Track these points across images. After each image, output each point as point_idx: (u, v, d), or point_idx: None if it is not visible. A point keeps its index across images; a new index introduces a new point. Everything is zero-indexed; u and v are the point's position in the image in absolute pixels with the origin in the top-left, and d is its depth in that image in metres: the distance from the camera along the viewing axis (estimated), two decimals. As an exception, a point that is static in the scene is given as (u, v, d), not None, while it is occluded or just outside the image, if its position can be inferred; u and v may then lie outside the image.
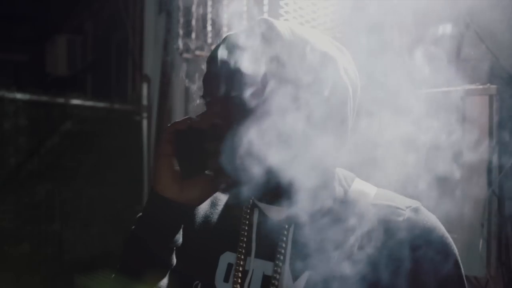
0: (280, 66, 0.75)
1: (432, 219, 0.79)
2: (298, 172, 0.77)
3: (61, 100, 3.51)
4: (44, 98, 3.44)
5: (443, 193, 1.64)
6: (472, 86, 1.59)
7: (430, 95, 1.66)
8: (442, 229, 0.79)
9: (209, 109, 0.80)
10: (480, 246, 1.55)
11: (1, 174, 3.34)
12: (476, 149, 1.58)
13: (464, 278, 0.80)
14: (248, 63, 0.76)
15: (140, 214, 0.83)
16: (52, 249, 3.56)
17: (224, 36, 0.83)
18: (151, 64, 3.89)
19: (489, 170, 1.57)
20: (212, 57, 0.81)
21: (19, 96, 3.32)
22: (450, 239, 0.79)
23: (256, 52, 0.76)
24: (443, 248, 0.77)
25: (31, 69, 7.07)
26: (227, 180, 0.78)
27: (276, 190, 0.80)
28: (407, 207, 0.79)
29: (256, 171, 0.78)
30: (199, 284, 0.86)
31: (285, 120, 0.75)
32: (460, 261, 0.79)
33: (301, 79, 0.75)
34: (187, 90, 3.63)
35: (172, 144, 0.79)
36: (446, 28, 1.71)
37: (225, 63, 0.78)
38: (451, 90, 1.62)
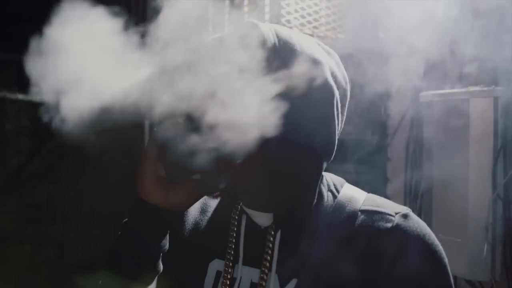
0: (265, 71, 0.73)
1: (421, 226, 0.78)
2: (285, 177, 0.76)
3: (62, 100, 3.50)
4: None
5: (449, 197, 1.62)
6: (477, 88, 1.57)
7: (435, 97, 1.64)
8: (431, 236, 0.78)
9: (195, 115, 0.78)
10: (485, 250, 1.53)
11: (3, 174, 3.33)
12: (480, 152, 1.56)
13: (452, 284, 0.79)
14: (232, 67, 0.75)
15: (126, 220, 0.82)
16: (53, 250, 3.55)
17: (208, 40, 0.81)
18: (153, 65, 3.88)
19: (494, 174, 1.55)
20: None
21: (20, 96, 3.30)
22: (439, 247, 0.79)
23: (240, 56, 0.74)
24: (432, 255, 0.77)
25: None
26: (215, 185, 0.77)
27: (263, 196, 0.79)
28: (396, 213, 0.78)
29: (244, 176, 0.77)
30: None
31: (269, 125, 0.73)
32: (449, 269, 0.78)
33: (285, 83, 0.72)
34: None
35: (158, 148, 0.78)
36: (450, 29, 1.69)
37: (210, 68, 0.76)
38: (455, 92, 1.60)
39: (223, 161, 0.74)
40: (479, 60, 1.75)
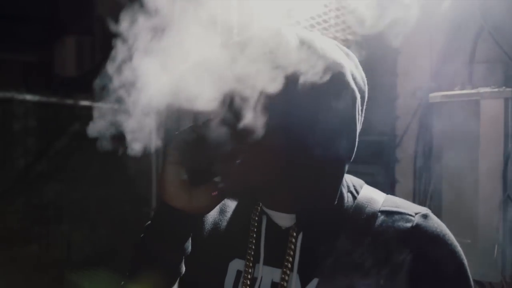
0: (290, 75, 0.74)
1: (441, 226, 0.79)
2: (307, 179, 0.77)
3: (69, 101, 3.51)
4: (53, 99, 3.45)
5: (458, 198, 1.62)
6: (487, 89, 1.57)
7: (444, 98, 1.64)
8: (450, 237, 0.79)
9: (215, 118, 0.79)
10: (495, 252, 1.53)
11: (10, 175, 3.35)
12: (491, 154, 1.56)
13: (471, 284, 0.79)
14: (257, 71, 0.76)
15: (149, 222, 0.83)
16: (60, 249, 3.57)
17: (230, 43, 0.82)
18: (160, 65, 3.89)
19: (504, 175, 1.54)
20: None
21: (28, 97, 3.32)
22: (458, 247, 0.79)
23: (265, 60, 0.75)
24: (451, 255, 0.77)
25: (39, 70, 7.10)
26: (235, 186, 0.78)
27: (284, 197, 0.80)
28: (416, 213, 0.79)
29: (265, 177, 0.77)
30: None
31: (294, 128, 0.74)
32: (468, 269, 0.79)
33: (310, 87, 0.73)
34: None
35: (179, 152, 0.79)
36: (462, 31, 1.69)
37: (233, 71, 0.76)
38: (465, 93, 1.60)
39: (245, 164, 0.76)
40: (490, 61, 1.74)
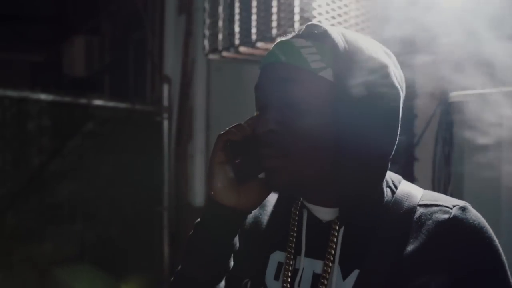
0: (338, 75, 0.77)
1: (479, 219, 0.80)
2: (352, 174, 0.79)
3: (83, 101, 3.54)
4: (67, 99, 3.47)
5: (479, 197, 1.63)
6: (510, 88, 1.58)
7: (465, 97, 1.66)
8: (488, 229, 0.80)
9: (261, 116, 0.81)
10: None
11: (25, 174, 3.37)
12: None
13: (510, 279, 0.80)
14: (305, 71, 0.78)
15: (198, 220, 0.86)
16: (74, 248, 3.59)
17: (275, 42, 0.85)
18: (171, 65, 3.91)
19: (527, 173, 1.56)
20: (265, 65, 0.84)
21: (43, 97, 3.35)
22: (496, 240, 0.80)
23: (314, 60, 0.78)
24: (490, 247, 0.79)
25: (48, 70, 7.14)
26: (282, 183, 0.80)
27: (327, 192, 0.83)
28: (453, 206, 0.81)
29: (312, 174, 0.79)
30: (249, 282, 0.89)
31: (344, 127, 0.77)
32: (505, 262, 0.80)
33: (358, 87, 0.76)
34: (208, 90, 3.64)
35: (225, 152, 0.82)
36: (481, 28, 1.70)
37: (281, 71, 0.80)
38: (487, 92, 1.62)
39: (292, 161, 0.78)
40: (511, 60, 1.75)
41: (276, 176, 0.79)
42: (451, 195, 1.86)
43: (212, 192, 0.83)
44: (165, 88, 3.82)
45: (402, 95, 0.83)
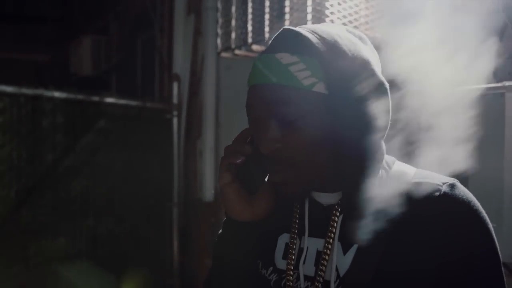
0: (331, 87, 0.82)
1: (467, 194, 0.84)
2: (350, 162, 0.85)
3: (96, 98, 3.62)
4: (80, 96, 3.55)
5: (484, 185, 1.71)
6: (512, 83, 1.66)
7: (471, 91, 1.74)
8: (476, 204, 0.84)
9: (262, 135, 0.85)
10: (520, 235, 1.62)
11: (39, 170, 3.45)
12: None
13: (498, 251, 0.84)
14: (299, 90, 0.80)
15: (221, 231, 0.97)
16: (86, 243, 3.67)
17: (260, 57, 0.87)
18: (180, 64, 3.99)
19: (529, 163, 1.63)
20: (255, 85, 0.85)
21: (56, 94, 3.43)
22: (484, 214, 0.84)
23: (305, 77, 0.81)
24: (478, 221, 0.83)
25: (55, 70, 7.21)
26: (291, 194, 0.88)
27: (328, 179, 0.89)
28: (443, 183, 0.84)
29: (314, 180, 0.87)
30: (260, 263, 0.96)
31: (339, 123, 0.82)
32: (494, 235, 0.83)
33: (350, 93, 0.82)
34: (218, 88, 3.73)
35: (230, 172, 0.90)
36: (486, 28, 1.78)
37: (273, 92, 0.82)
38: (492, 87, 1.69)
39: (297, 167, 0.84)
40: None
41: (287, 188, 0.86)
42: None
43: (228, 212, 0.92)
44: (175, 86, 3.90)
45: (387, 85, 0.88)
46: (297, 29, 0.85)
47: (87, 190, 3.64)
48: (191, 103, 3.88)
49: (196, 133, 3.83)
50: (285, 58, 0.82)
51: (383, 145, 0.89)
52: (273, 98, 0.82)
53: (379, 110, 0.85)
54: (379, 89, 0.85)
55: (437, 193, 0.83)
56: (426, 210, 0.83)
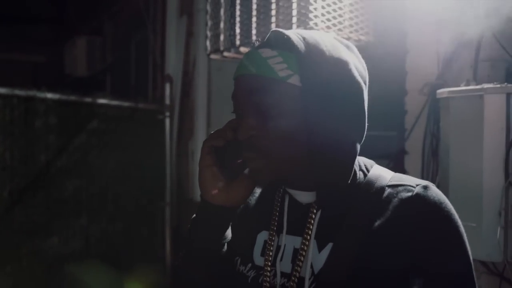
0: (304, 80, 0.86)
1: (439, 195, 0.87)
2: (325, 161, 0.88)
3: (88, 99, 3.65)
4: (72, 97, 3.58)
5: (464, 186, 1.75)
6: (491, 85, 1.70)
7: (451, 93, 1.78)
8: (448, 205, 0.87)
9: (241, 122, 0.89)
10: (498, 234, 1.65)
11: (32, 170, 3.48)
12: (494, 144, 1.69)
13: (468, 250, 0.87)
14: (274, 80, 0.86)
15: (194, 216, 0.98)
16: (79, 242, 3.70)
17: (246, 52, 0.94)
18: (173, 65, 4.02)
19: (506, 164, 1.67)
20: (238, 77, 0.91)
21: (49, 95, 3.46)
22: (455, 214, 0.87)
23: (281, 69, 0.86)
24: (449, 220, 0.86)
25: (50, 70, 7.23)
26: (265, 180, 0.93)
27: (305, 178, 0.92)
28: (417, 185, 0.89)
29: (292, 167, 0.90)
30: (239, 260, 1.00)
31: (314, 122, 0.86)
32: (465, 235, 0.87)
33: (322, 87, 0.85)
34: (209, 89, 3.76)
35: (211, 155, 0.92)
36: (466, 30, 1.82)
37: (252, 82, 0.87)
38: (471, 89, 1.73)
39: (273, 157, 0.87)
40: (493, 59, 1.88)
41: (261, 175, 0.89)
42: (439, 185, 1.98)
43: (204, 194, 0.93)
44: (167, 87, 3.93)
45: (365, 86, 0.92)
46: (284, 30, 0.89)
47: (80, 190, 3.67)
48: (183, 104, 3.92)
49: (188, 134, 3.87)
50: (265, 52, 0.88)
51: (358, 147, 0.92)
52: (251, 87, 0.87)
53: (352, 108, 0.88)
54: (355, 91, 0.89)
55: (410, 194, 0.87)
56: (400, 210, 0.87)
